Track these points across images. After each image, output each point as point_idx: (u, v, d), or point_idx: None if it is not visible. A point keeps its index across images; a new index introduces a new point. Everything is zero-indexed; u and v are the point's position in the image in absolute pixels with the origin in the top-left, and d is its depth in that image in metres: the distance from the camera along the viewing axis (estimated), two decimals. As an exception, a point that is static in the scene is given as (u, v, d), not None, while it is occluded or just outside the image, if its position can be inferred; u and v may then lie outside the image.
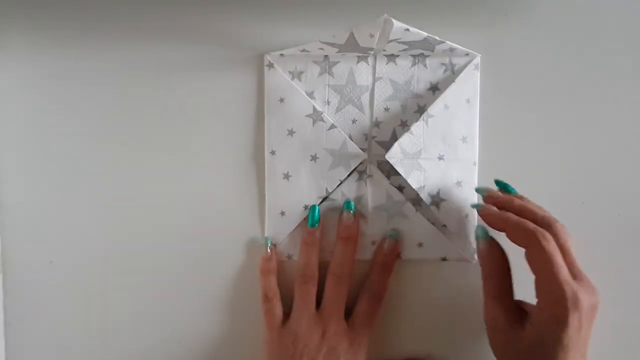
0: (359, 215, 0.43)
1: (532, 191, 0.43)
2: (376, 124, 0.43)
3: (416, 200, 0.43)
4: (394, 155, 0.41)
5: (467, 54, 0.42)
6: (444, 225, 0.43)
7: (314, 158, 0.42)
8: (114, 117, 0.43)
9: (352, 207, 0.42)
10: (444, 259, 0.43)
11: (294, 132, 0.42)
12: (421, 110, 0.43)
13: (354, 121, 0.43)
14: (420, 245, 0.43)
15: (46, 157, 0.44)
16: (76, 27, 0.43)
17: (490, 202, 0.40)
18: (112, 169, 0.44)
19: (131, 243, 0.44)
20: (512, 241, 0.37)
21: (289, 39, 0.42)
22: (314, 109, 0.42)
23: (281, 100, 0.42)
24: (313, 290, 0.41)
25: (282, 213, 0.43)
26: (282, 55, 0.42)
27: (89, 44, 0.43)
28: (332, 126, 0.42)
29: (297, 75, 0.43)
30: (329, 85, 0.43)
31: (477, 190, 0.42)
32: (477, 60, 0.43)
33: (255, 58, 0.43)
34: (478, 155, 0.43)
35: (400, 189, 0.43)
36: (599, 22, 0.43)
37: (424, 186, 0.42)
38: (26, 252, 0.44)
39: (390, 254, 0.42)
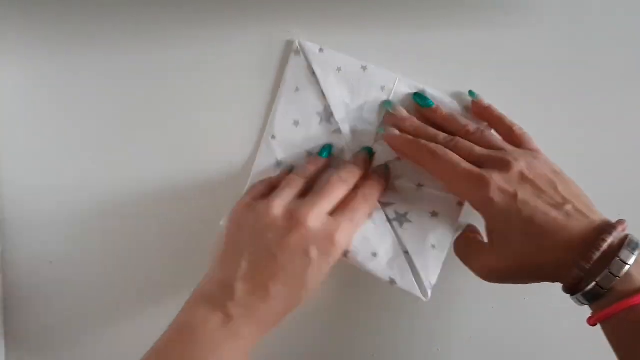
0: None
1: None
2: (376, 140, 0.42)
3: (400, 217, 0.41)
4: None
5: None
6: (406, 252, 0.40)
7: (310, 154, 0.42)
8: (114, 118, 0.43)
9: (370, 151, 0.41)
10: (393, 282, 0.40)
11: (299, 124, 0.42)
12: None
13: (356, 131, 0.42)
14: (374, 255, 0.40)
15: (46, 156, 0.44)
16: (76, 26, 0.43)
17: (391, 123, 0.41)
18: (112, 168, 0.44)
19: (131, 243, 0.44)
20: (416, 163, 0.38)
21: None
22: (325, 107, 0.42)
23: (297, 89, 0.42)
24: (299, 183, 0.39)
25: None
26: (321, 50, 0.42)
27: (89, 45, 0.43)
28: (338, 130, 0.42)
29: (337, 70, 0.42)
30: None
31: (383, 103, 0.42)
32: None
33: (279, 43, 0.42)
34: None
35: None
36: (599, 21, 0.43)
37: (392, 203, 0.41)
38: (26, 252, 0.44)
39: (381, 176, 0.40)
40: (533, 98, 0.44)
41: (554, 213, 0.34)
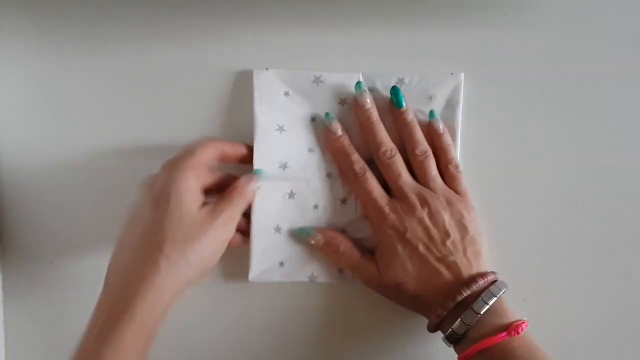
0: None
1: (532, 191, 0.43)
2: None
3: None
4: None
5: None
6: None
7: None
8: (113, 119, 0.43)
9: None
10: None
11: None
12: None
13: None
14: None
15: (46, 156, 0.44)
16: (76, 27, 0.43)
17: (355, 113, 0.42)
18: (112, 168, 0.44)
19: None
20: None
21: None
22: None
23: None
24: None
25: None
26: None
27: (88, 45, 0.43)
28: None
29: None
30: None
31: (326, 114, 0.42)
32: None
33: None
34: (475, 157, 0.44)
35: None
36: (599, 21, 0.43)
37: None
38: (26, 252, 0.44)
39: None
40: (533, 98, 0.44)
41: (432, 262, 0.39)
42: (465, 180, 0.42)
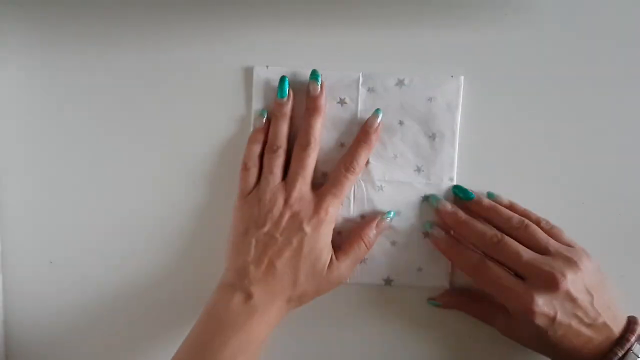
0: (324, 85, 0.42)
1: (532, 191, 0.43)
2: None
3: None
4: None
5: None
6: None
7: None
8: (113, 118, 0.43)
9: (318, 77, 0.42)
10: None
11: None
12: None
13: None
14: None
15: (46, 157, 0.44)
16: (76, 28, 0.43)
17: (441, 221, 0.42)
18: (112, 168, 0.44)
19: (131, 243, 0.44)
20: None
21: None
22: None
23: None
24: (280, 159, 0.41)
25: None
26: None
27: (88, 45, 0.43)
28: None
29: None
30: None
31: (430, 198, 0.43)
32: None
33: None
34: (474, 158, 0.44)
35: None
36: (598, 21, 0.43)
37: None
38: (26, 252, 0.44)
39: (373, 131, 0.42)
40: (532, 98, 0.44)
41: (584, 330, 0.38)
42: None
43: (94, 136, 0.44)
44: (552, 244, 0.39)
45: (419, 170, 0.43)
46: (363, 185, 0.43)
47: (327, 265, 0.40)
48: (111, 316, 0.45)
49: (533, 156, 0.44)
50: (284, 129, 0.42)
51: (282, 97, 0.42)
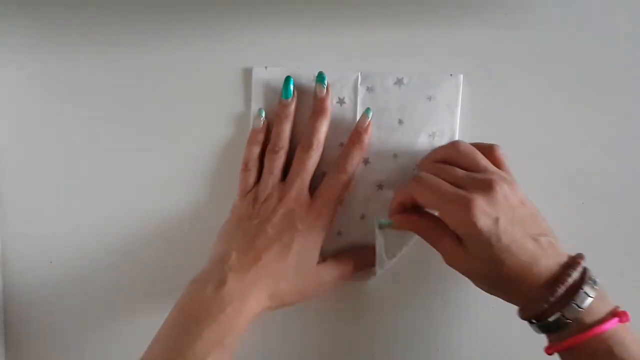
0: (330, 88, 0.42)
1: (532, 192, 0.43)
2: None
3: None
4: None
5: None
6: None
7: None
8: (113, 118, 0.44)
9: (325, 79, 0.42)
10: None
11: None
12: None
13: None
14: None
15: (46, 157, 0.44)
16: (76, 28, 0.43)
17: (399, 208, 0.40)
18: (111, 169, 0.44)
19: (131, 243, 0.44)
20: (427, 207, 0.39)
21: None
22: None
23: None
24: (280, 160, 0.41)
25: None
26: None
27: (88, 46, 0.43)
28: None
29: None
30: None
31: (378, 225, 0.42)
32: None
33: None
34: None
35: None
36: (598, 21, 0.43)
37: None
38: (26, 252, 0.44)
39: (363, 131, 0.41)
40: (532, 98, 0.44)
41: (531, 244, 0.35)
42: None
43: (94, 136, 0.44)
44: (490, 165, 0.38)
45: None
46: (363, 184, 0.43)
47: (315, 267, 0.40)
48: (111, 316, 0.45)
49: (532, 156, 0.44)
50: (286, 130, 0.42)
51: (287, 97, 0.41)
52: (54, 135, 0.44)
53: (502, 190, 0.35)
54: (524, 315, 0.36)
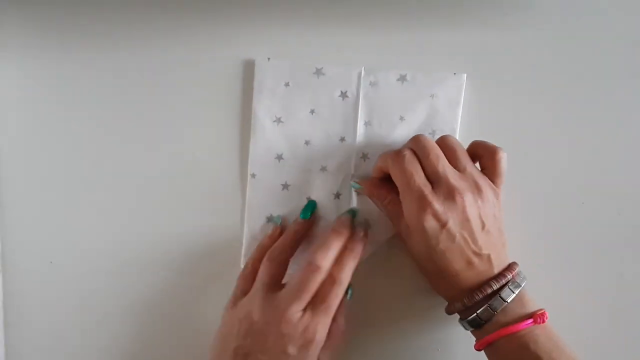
0: (360, 225, 0.41)
1: (532, 192, 0.43)
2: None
3: None
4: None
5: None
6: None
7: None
8: (113, 119, 0.43)
9: (356, 213, 0.42)
10: None
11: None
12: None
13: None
14: None
15: (46, 157, 0.44)
16: (76, 28, 0.43)
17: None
18: (111, 169, 0.44)
19: (131, 243, 0.44)
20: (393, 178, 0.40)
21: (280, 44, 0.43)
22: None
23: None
24: (277, 271, 0.40)
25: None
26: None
27: (88, 45, 0.43)
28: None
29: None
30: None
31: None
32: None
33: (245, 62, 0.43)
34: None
35: None
36: (598, 21, 0.43)
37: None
38: (26, 252, 0.44)
39: (360, 240, 0.40)
40: (533, 98, 0.44)
41: (465, 257, 0.38)
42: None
43: (94, 135, 0.44)
44: (470, 168, 0.39)
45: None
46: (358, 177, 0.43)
47: None
48: (111, 316, 0.45)
49: (532, 155, 0.44)
50: (291, 243, 0.41)
51: (305, 217, 0.42)
52: (53, 134, 0.44)
53: (463, 201, 0.37)
54: (447, 309, 0.40)
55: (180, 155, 0.44)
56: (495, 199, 0.39)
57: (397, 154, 0.39)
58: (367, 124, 0.43)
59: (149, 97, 0.43)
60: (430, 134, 0.43)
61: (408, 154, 0.38)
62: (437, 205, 0.37)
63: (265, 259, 0.40)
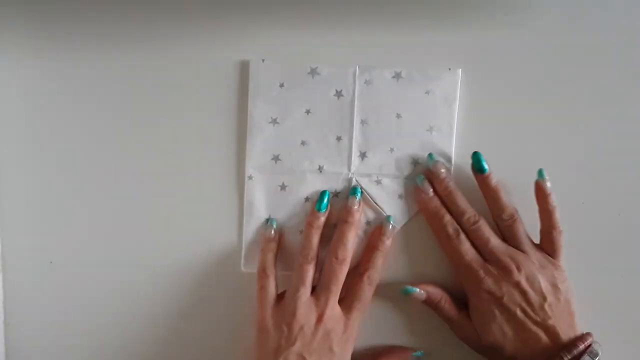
0: (363, 202, 0.43)
1: (531, 191, 0.43)
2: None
3: None
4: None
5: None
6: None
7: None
8: (113, 119, 0.44)
9: (359, 193, 0.42)
10: None
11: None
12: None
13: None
14: None
15: (46, 157, 0.44)
16: (76, 28, 0.43)
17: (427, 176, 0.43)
18: (111, 169, 0.44)
19: (130, 243, 0.44)
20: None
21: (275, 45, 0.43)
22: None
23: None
24: (312, 272, 0.41)
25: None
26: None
27: (88, 46, 0.43)
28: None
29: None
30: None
31: (429, 156, 0.43)
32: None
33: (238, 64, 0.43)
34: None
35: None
36: (598, 21, 0.43)
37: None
38: (26, 252, 0.44)
39: (388, 238, 0.42)
40: (532, 97, 0.44)
41: (530, 326, 0.39)
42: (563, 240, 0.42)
43: (94, 135, 0.44)
44: (528, 245, 0.41)
45: (415, 163, 0.43)
46: (360, 179, 0.43)
47: None
48: (111, 316, 0.45)
49: (531, 155, 0.44)
50: (317, 240, 0.42)
51: (320, 210, 0.42)
52: (53, 134, 0.44)
53: (517, 277, 0.39)
54: None
55: (177, 158, 0.44)
56: (557, 271, 0.40)
57: (454, 237, 0.41)
58: (363, 122, 0.43)
59: (144, 99, 0.43)
60: (427, 130, 0.43)
61: (462, 237, 0.41)
62: (490, 281, 0.39)
63: (300, 263, 0.41)
